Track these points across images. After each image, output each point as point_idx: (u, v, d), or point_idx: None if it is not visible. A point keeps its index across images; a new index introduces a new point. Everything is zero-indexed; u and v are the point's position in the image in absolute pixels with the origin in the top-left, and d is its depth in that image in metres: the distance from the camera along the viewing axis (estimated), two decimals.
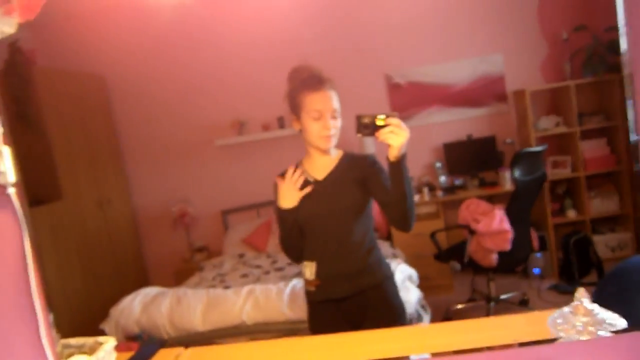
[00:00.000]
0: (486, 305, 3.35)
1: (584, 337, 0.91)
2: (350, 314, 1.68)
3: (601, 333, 0.90)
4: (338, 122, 1.66)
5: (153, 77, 4.34)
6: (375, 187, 1.65)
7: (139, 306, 2.54)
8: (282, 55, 1.69)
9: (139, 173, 4.48)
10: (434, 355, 1.11)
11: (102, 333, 2.54)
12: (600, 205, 4.00)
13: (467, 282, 3.93)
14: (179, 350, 1.37)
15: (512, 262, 3.36)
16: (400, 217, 1.59)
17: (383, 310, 1.70)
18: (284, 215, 1.67)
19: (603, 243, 3.97)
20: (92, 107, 4.07)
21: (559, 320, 0.96)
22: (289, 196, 1.65)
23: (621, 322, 0.92)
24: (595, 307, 0.95)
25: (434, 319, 2.96)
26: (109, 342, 1.09)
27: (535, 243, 3.31)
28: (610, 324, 0.91)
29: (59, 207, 3.48)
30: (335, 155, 1.74)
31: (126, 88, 4.37)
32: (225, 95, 4.32)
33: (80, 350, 1.12)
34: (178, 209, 4.31)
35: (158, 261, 4.52)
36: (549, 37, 4.08)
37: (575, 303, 0.96)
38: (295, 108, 1.68)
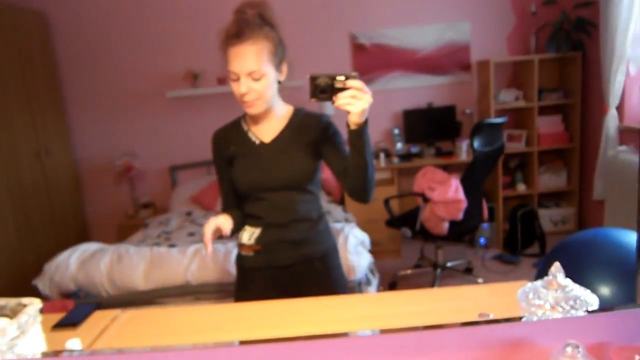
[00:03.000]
0: (433, 271, 3.40)
1: (556, 314, 0.86)
2: (289, 284, 1.53)
3: (574, 312, 0.85)
4: (261, 84, 1.38)
5: (101, 19, 4.00)
6: (330, 154, 1.46)
7: (76, 262, 2.37)
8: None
9: (82, 122, 4.17)
10: (384, 331, 1.02)
11: (35, 290, 2.37)
12: (548, 180, 4.10)
13: (415, 248, 3.98)
14: (116, 312, 1.25)
15: (462, 231, 3.41)
16: (359, 188, 1.40)
17: (327, 281, 1.55)
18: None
19: (547, 217, 4.10)
20: (30, 47, 3.69)
21: (530, 295, 0.91)
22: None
23: (594, 300, 0.88)
24: (569, 283, 0.90)
25: (381, 283, 2.98)
26: (34, 305, 0.95)
27: (485, 214, 3.35)
28: (583, 302, 0.87)
29: None
30: (283, 113, 1.51)
31: (70, 28, 4.00)
32: (179, 44, 4.05)
33: (1, 312, 0.98)
34: (123, 162, 4.07)
35: (100, 216, 4.29)
36: (517, 9, 4.04)
37: (548, 278, 0.91)
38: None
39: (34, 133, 3.63)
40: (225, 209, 1.55)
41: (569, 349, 0.75)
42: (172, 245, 2.84)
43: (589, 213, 4.05)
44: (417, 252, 3.86)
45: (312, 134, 1.48)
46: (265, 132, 1.50)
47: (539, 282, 0.92)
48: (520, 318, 0.90)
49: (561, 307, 0.87)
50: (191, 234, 3.12)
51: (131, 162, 4.07)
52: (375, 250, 3.25)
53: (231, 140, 1.51)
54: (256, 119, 1.50)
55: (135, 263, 2.33)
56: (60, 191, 3.90)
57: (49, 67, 3.92)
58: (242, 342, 0.99)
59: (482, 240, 3.97)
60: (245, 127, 1.52)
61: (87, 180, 4.27)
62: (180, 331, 1.17)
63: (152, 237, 3.12)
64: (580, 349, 0.75)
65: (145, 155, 4.20)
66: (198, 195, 3.81)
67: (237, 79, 1.37)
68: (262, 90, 1.39)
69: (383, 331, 0.98)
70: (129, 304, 2.27)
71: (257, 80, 1.37)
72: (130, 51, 4.06)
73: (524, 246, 3.85)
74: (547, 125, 3.98)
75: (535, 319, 0.89)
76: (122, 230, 3.87)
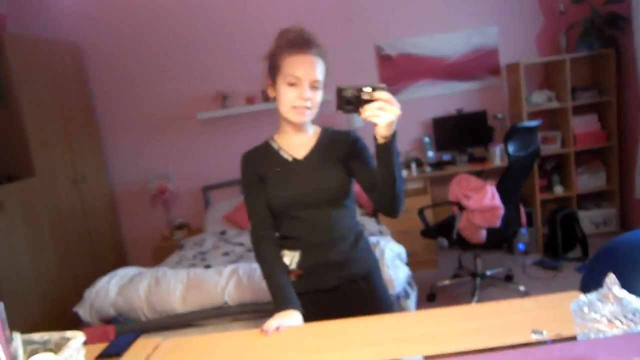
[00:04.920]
0: (472, 281, 3.31)
1: (614, 329, 0.81)
2: (333, 307, 1.47)
3: (634, 326, 0.80)
4: (318, 96, 1.42)
5: (131, 47, 4.12)
6: (358, 169, 1.43)
7: (115, 288, 2.40)
8: (269, 24, 1.47)
9: (116, 148, 4.28)
10: (428, 358, 0.97)
11: (75, 316, 2.41)
12: (587, 181, 3.96)
13: (453, 258, 3.89)
14: (157, 340, 1.25)
15: (501, 239, 3.31)
16: (388, 202, 1.37)
17: (372, 300, 1.50)
18: None
19: (588, 219, 3.96)
20: (66, 78, 3.82)
21: (585, 309, 0.86)
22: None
23: None
24: (626, 295, 0.85)
25: (419, 295, 2.91)
26: (77, 338, 0.96)
27: (523, 219, 3.25)
28: None
29: (32, 184, 3.28)
30: (312, 132, 1.52)
31: (103, 58, 4.14)
32: (208, 67, 4.13)
33: (45, 346, 0.99)
34: (157, 185, 4.14)
35: (136, 239, 4.36)
36: (545, 9, 3.97)
37: (604, 290, 0.86)
38: (273, 70, 1.44)
39: (70, 160, 3.73)
40: (259, 234, 1.51)
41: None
42: (207, 266, 2.86)
43: (631, 213, 3.90)
44: (454, 262, 3.78)
45: (341, 150, 1.48)
46: (297, 150, 1.49)
47: (594, 295, 0.87)
48: (575, 337, 0.85)
49: (619, 320, 0.82)
50: (226, 254, 3.13)
51: (165, 184, 4.14)
52: (412, 261, 3.19)
53: (263, 160, 1.50)
54: (287, 137, 1.50)
55: (172, 286, 2.34)
56: (97, 216, 3.99)
57: (83, 96, 4.04)
58: None
59: (521, 246, 3.86)
60: (276, 147, 1.52)
61: (122, 204, 4.35)
62: (223, 358, 1.15)
63: (187, 258, 3.14)
64: None
65: (178, 177, 4.26)
66: (231, 215, 3.83)
67: (297, 85, 1.39)
68: (317, 100, 1.43)
69: (428, 357, 0.94)
70: (168, 327, 2.29)
71: (315, 90, 1.41)
72: (160, 76, 4.15)
73: (566, 250, 3.72)
74: (583, 125, 3.86)
75: (592, 335, 0.84)
76: (158, 252, 3.92)
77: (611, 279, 0.86)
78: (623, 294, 0.86)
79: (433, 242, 3.73)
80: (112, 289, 2.38)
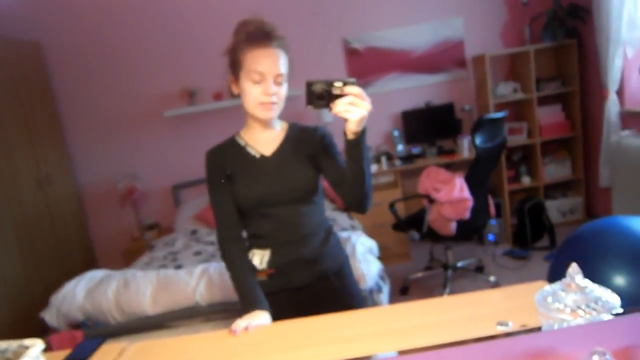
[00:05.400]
0: (443, 273, 3.35)
1: (578, 319, 0.82)
2: (306, 304, 1.47)
3: (596, 315, 0.81)
4: (283, 90, 1.40)
5: (94, 44, 4.00)
6: (327, 165, 1.42)
7: (83, 291, 2.34)
8: (234, 18, 1.43)
9: (81, 148, 4.16)
10: (403, 352, 0.97)
11: (43, 322, 2.33)
12: (553, 171, 4.05)
13: (424, 251, 3.94)
14: (123, 344, 1.21)
15: (471, 230, 3.36)
16: (357, 198, 1.36)
17: (344, 295, 1.49)
18: None
19: (555, 208, 4.05)
20: (27, 77, 3.69)
21: (549, 299, 0.87)
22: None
23: (616, 300, 0.84)
24: (589, 284, 0.86)
25: (392, 289, 2.93)
26: (36, 346, 0.92)
27: (492, 210, 3.31)
28: (605, 303, 0.83)
29: None
30: (280, 128, 1.50)
31: (65, 55, 4.01)
32: (173, 63, 4.04)
33: (4, 355, 0.95)
34: (125, 185, 4.04)
35: (105, 242, 4.26)
36: (509, 1, 4.02)
37: (566, 280, 0.87)
38: (234, 65, 1.41)
39: (34, 161, 3.61)
40: (225, 234, 1.48)
41: (595, 358, 0.71)
42: (178, 266, 2.81)
43: (596, 201, 4.01)
44: (426, 254, 3.82)
45: (310, 146, 1.46)
46: (264, 145, 1.47)
47: (557, 285, 0.88)
48: (539, 328, 0.86)
49: (582, 310, 0.84)
50: (197, 253, 3.08)
51: (133, 184, 4.05)
52: (384, 255, 3.21)
53: (228, 157, 1.47)
54: (253, 133, 1.47)
55: (142, 288, 2.30)
56: (64, 219, 3.87)
57: (46, 95, 3.91)
58: None
59: (490, 237, 3.92)
60: (242, 143, 1.49)
61: (90, 206, 4.24)
62: None
63: (158, 259, 3.09)
64: (607, 356, 0.71)
65: (146, 176, 4.17)
66: (202, 213, 3.78)
67: (262, 81, 1.36)
68: (282, 95, 1.40)
69: (401, 352, 0.94)
70: (138, 330, 2.24)
71: (279, 84, 1.38)
72: (125, 73, 4.05)
73: (534, 239, 3.80)
74: (548, 116, 3.94)
75: (556, 325, 0.85)
76: (128, 254, 3.84)
77: (574, 268, 0.87)
78: (586, 282, 0.87)
79: (405, 235, 3.76)
80: (79, 293, 2.31)
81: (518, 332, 0.88)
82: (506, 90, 3.91)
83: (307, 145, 1.46)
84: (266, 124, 1.45)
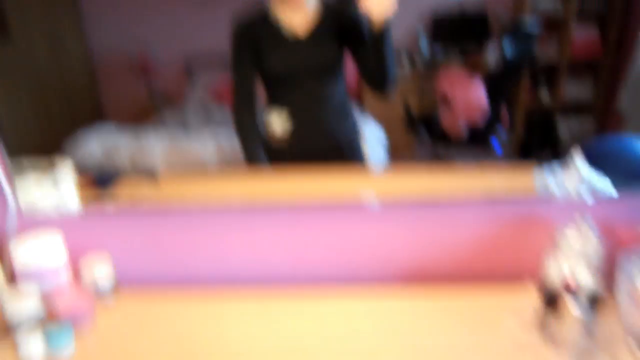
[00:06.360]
0: None
1: (573, 195, 0.88)
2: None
3: (588, 195, 0.87)
4: None
5: None
6: (355, 45, 1.45)
7: (97, 144, 2.42)
8: None
9: (97, 13, 4.04)
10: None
11: None
12: (574, 91, 3.97)
13: (430, 153, 3.97)
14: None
15: (480, 137, 3.37)
16: (378, 81, 1.42)
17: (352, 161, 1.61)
18: None
19: (567, 127, 4.02)
20: None
21: (547, 174, 0.92)
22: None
23: (610, 188, 0.89)
24: (586, 167, 0.91)
25: None
26: (66, 162, 0.99)
27: (506, 120, 3.30)
28: (597, 187, 0.88)
29: (7, 47, 3.14)
30: (313, 5, 1.52)
31: None
32: None
33: (35, 168, 1.02)
34: (139, 54, 3.99)
35: (116, 109, 4.30)
36: None
37: (567, 160, 0.91)
38: None
39: (46, 22, 3.53)
40: (241, 105, 1.52)
41: (577, 217, 0.77)
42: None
43: (609, 125, 3.96)
44: (431, 156, 3.86)
45: (342, 25, 1.46)
46: (298, 25, 1.46)
47: (556, 164, 0.93)
48: (535, 196, 0.92)
49: (576, 189, 0.89)
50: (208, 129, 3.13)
51: (146, 53, 4.00)
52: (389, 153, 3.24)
53: (259, 33, 1.47)
54: (286, 10, 1.46)
55: (152, 143, 2.37)
56: (76, 84, 3.86)
57: None
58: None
59: (497, 147, 3.94)
60: (274, 20, 1.47)
61: (102, 73, 4.22)
62: None
63: (169, 126, 3.15)
64: (587, 217, 0.77)
65: (161, 48, 4.10)
66: (216, 89, 3.77)
67: None
68: None
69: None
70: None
71: None
72: None
73: (539, 151, 3.82)
74: (582, 35, 3.77)
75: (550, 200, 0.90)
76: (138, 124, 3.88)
77: (576, 151, 0.91)
78: (583, 165, 0.92)
79: (413, 136, 3.77)
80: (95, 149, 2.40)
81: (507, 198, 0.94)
82: (546, 4, 3.71)
83: (339, 24, 1.46)
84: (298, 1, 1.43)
